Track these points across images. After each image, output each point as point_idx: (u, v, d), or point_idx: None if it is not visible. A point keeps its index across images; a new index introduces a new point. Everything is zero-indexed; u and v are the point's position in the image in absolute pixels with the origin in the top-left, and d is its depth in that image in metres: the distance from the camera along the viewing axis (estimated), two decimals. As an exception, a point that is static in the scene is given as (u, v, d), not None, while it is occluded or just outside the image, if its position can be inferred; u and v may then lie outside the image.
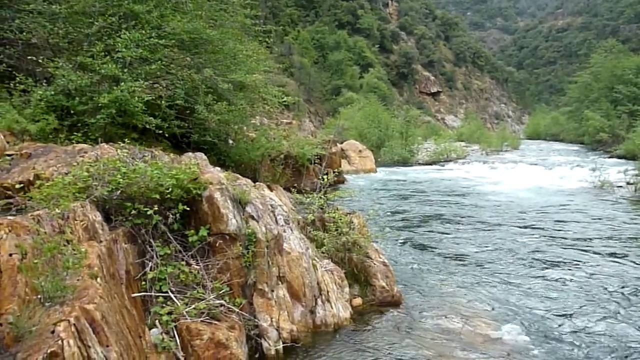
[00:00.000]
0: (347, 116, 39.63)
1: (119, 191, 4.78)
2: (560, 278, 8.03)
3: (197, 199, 5.10)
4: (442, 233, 11.25)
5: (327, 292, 6.04)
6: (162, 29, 9.58)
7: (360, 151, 25.31)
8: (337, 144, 22.62)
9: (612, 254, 9.57)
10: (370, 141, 30.79)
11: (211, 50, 10.90)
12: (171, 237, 4.95)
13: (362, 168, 24.20)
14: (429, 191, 18.28)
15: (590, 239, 10.77)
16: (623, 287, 7.59)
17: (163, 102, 9.10)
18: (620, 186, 19.19)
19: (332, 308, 5.95)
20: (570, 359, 5.27)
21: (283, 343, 5.18)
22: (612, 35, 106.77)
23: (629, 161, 23.44)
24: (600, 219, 13.12)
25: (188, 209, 5.02)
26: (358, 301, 6.59)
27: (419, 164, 30.58)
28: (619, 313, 6.57)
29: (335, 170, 10.93)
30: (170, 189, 4.87)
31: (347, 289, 6.46)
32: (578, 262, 8.92)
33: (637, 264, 8.94)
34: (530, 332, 5.91)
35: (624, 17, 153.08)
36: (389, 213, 13.58)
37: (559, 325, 6.13)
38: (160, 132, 9.01)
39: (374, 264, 6.92)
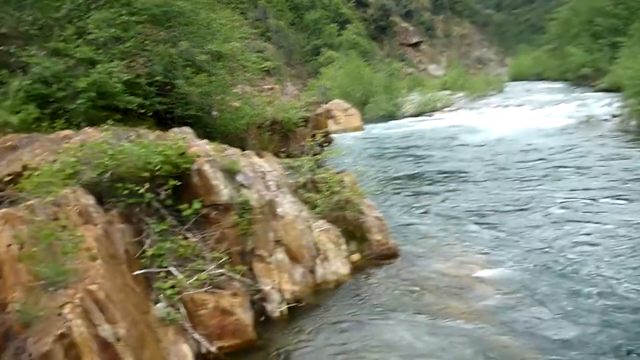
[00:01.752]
0: (329, 76, 39.22)
1: (108, 173, 4.80)
2: (553, 219, 8.17)
3: (187, 173, 5.14)
4: (433, 184, 11.38)
5: (325, 251, 6.15)
6: (133, 6, 9.40)
7: (345, 110, 25.17)
8: (322, 105, 22.54)
9: (602, 190, 9.73)
10: (354, 99, 30.53)
11: (185, 23, 10.72)
12: (165, 213, 5.01)
13: (348, 126, 24.12)
14: (417, 144, 18.33)
15: (581, 176, 10.94)
16: (615, 223, 7.74)
17: (142, 80, 9.02)
18: (606, 119, 19.34)
19: (331, 266, 6.08)
20: (565, 294, 5.45)
21: (287, 304, 5.32)
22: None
23: (613, 94, 23.58)
24: (587, 154, 13.30)
25: (179, 183, 5.06)
26: (356, 257, 6.71)
27: (405, 116, 30.46)
28: (611, 250, 6.73)
29: (322, 130, 10.94)
30: (159, 166, 4.90)
31: (344, 246, 6.57)
32: (570, 202, 9.06)
33: (626, 198, 9.12)
34: (524, 271, 6.08)
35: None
36: (378, 169, 13.67)
37: (553, 265, 6.28)
38: (143, 110, 8.94)
39: (368, 219, 7.03)
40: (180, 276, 4.66)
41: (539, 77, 60.29)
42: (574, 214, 8.26)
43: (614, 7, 43.51)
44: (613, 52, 35.01)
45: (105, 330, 2.91)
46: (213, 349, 4.45)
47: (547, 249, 6.76)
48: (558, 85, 45.92)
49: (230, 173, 5.48)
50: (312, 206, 7.18)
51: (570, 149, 14.22)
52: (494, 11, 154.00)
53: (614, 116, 19.21)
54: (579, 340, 4.51)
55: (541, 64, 62.51)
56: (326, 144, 17.21)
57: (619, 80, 21.92)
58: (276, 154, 11.37)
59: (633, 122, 17.76)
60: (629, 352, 4.35)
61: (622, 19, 41.18)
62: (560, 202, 8.95)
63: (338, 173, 7.77)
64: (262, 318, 5.15)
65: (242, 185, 5.49)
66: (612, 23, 42.21)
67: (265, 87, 26.07)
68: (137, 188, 4.75)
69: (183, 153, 5.19)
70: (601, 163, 12.01)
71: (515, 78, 69.62)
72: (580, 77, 42.49)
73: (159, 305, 4.46)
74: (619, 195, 9.11)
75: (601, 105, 20.42)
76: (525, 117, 23.16)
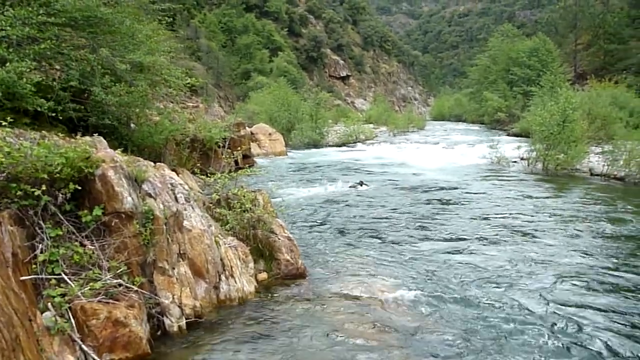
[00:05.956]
0: (257, 100, 39.43)
1: (5, 172, 4.54)
2: (457, 248, 8.53)
3: (90, 178, 4.95)
4: (348, 209, 11.57)
5: (231, 267, 6.08)
6: (52, 6, 9.07)
7: (270, 134, 25.30)
8: (247, 127, 22.50)
9: (503, 224, 10.28)
10: (280, 124, 30.83)
11: (107, 30, 10.45)
12: (63, 218, 4.78)
13: (272, 151, 24.23)
14: (337, 171, 18.66)
15: (484, 211, 11.48)
16: (515, 254, 8.19)
17: (56, 84, 8.67)
18: (515, 161, 20.58)
19: (236, 283, 6.01)
20: (459, 319, 5.65)
21: (186, 319, 5.18)
22: (508, 20, 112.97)
23: (523, 139, 25.14)
24: (493, 192, 14.00)
25: (80, 188, 4.86)
26: (263, 275, 6.69)
27: (329, 145, 31.05)
28: (509, 278, 7.09)
29: (244, 152, 10.93)
30: (59, 168, 4.69)
31: (251, 264, 6.53)
32: (473, 233, 9.49)
33: (527, 232, 9.68)
34: (425, 295, 6.25)
35: (519, 4, 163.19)
36: (297, 192, 13.74)
37: (453, 289, 6.53)
38: (54, 115, 8.58)
39: (279, 238, 7.03)
40: (73, 284, 4.45)
41: (459, 119, 63.40)
42: (478, 245, 8.63)
43: (528, 59, 46.73)
44: (525, 100, 37.52)
45: (-28, 327, 2.72)
46: (101, 361, 4.25)
47: (448, 277, 6.99)
48: (475, 127, 48.37)
49: (136, 181, 5.33)
50: (224, 222, 7.12)
51: (477, 186, 14.95)
52: (420, 53, 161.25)
53: (522, 159, 20.48)
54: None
55: (461, 106, 65.78)
56: (248, 165, 17.16)
57: (528, 127, 23.44)
58: (194, 172, 11.20)
59: (539, 165, 19.03)
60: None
61: (535, 70, 44.29)
62: (465, 234, 9.35)
63: (252, 192, 7.75)
64: (159, 332, 5.00)
65: (148, 195, 5.35)
66: (526, 73, 45.30)
67: (189, 104, 25.73)
68: (33, 190, 4.52)
69: (88, 157, 4.99)
70: (506, 199, 12.69)
71: (437, 118, 72.84)
72: (495, 121, 45.08)
73: (46, 313, 4.22)
74: (519, 230, 9.63)
75: (512, 148, 21.69)
76: (441, 154, 24.20)
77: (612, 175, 17.05)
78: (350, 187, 14.67)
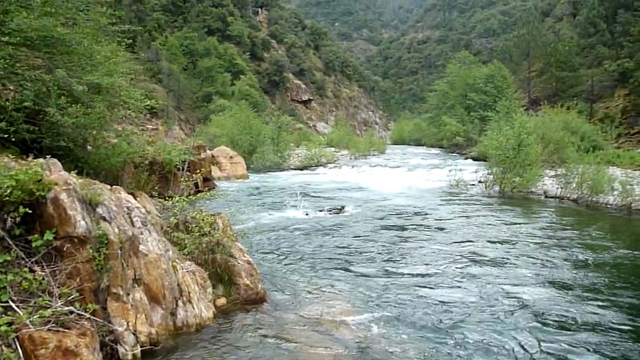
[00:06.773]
0: (218, 123, 39.29)
1: (-50, 196, 4.36)
2: (421, 272, 8.56)
3: (42, 201, 4.79)
4: (309, 234, 11.52)
5: (189, 293, 5.94)
6: (6, 25, 8.87)
7: (231, 157, 25.15)
8: (207, 149, 22.32)
9: (464, 247, 10.41)
10: (241, 147, 30.77)
11: (64, 51, 10.27)
12: (11, 243, 4.60)
13: (233, 174, 24.07)
14: (298, 195, 18.62)
15: (445, 235, 11.62)
16: (478, 278, 8.29)
17: (9, 104, 8.44)
18: (473, 184, 20.99)
19: (194, 309, 5.87)
20: (423, 345, 5.66)
21: (141, 347, 5.01)
22: (465, 47, 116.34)
23: (481, 162, 25.72)
24: (454, 215, 14.20)
25: (31, 212, 4.70)
26: (222, 301, 6.55)
27: (291, 169, 31.07)
28: (473, 303, 7.16)
29: (199, 171, 10.84)
30: (9, 191, 4.53)
31: (210, 289, 6.40)
32: (436, 258, 9.56)
33: (486, 255, 9.82)
34: (387, 320, 6.25)
35: (475, 32, 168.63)
36: (257, 216, 13.64)
37: (417, 314, 6.55)
38: (6, 136, 8.32)
39: (238, 263, 6.93)
40: (21, 312, 4.26)
41: (418, 143, 64.49)
42: (441, 269, 8.69)
43: (484, 85, 48.13)
44: (482, 125, 38.51)
45: None
46: (50, 393, 4.06)
47: (412, 301, 7.02)
48: (434, 151, 49.25)
49: (90, 205, 5.18)
50: (182, 247, 6.98)
51: (438, 209, 15.14)
52: (380, 78, 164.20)
53: (480, 182, 20.92)
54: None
55: (420, 130, 67.00)
56: (208, 189, 16.94)
57: (485, 150, 24.04)
58: (153, 195, 10.99)
59: (496, 188, 19.47)
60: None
61: (491, 96, 45.65)
62: (428, 259, 9.42)
63: (212, 215, 7.64)
64: (112, 361, 4.83)
65: (103, 218, 5.20)
66: (483, 99, 46.61)
67: (149, 127, 25.41)
68: (-20, 213, 4.35)
69: (40, 180, 4.84)
70: (466, 222, 12.88)
71: (397, 142, 73.93)
72: (453, 145, 46.04)
73: (-9, 343, 4.03)
74: (479, 252, 9.77)
75: (470, 171, 22.14)
76: (402, 177, 24.49)
77: (565, 197, 17.61)
78: (330, 212, 14.65)
